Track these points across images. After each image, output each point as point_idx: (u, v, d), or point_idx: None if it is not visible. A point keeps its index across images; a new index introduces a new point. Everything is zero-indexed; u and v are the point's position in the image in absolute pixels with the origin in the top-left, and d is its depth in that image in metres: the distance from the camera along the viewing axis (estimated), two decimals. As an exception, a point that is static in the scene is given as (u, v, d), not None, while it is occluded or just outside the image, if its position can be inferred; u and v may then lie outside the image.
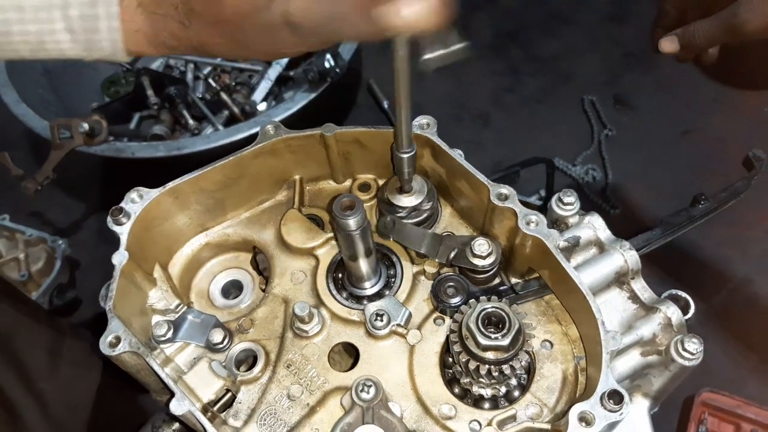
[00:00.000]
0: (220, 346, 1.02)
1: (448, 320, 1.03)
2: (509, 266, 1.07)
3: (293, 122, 1.09)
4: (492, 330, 0.91)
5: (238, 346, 1.02)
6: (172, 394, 0.88)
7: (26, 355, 1.54)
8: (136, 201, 1.03)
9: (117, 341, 0.91)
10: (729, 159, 1.76)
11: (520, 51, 3.08)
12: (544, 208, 1.07)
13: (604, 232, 1.09)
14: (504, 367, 0.92)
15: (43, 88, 2.61)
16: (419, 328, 1.03)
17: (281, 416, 0.96)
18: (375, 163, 1.15)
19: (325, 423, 0.95)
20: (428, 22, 0.70)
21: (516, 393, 0.99)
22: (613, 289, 1.07)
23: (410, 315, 1.03)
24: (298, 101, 2.31)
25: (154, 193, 1.04)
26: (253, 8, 0.79)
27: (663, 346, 1.01)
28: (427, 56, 0.74)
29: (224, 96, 2.65)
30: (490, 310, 0.93)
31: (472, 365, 0.93)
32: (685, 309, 1.05)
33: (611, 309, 1.06)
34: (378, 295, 1.06)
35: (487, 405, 0.98)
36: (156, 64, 2.86)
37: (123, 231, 1.00)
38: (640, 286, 1.06)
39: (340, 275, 1.09)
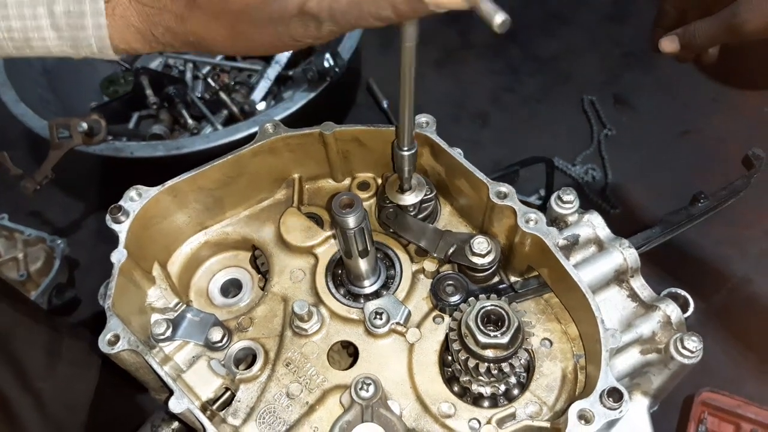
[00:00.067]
0: (219, 344, 1.02)
1: (447, 318, 1.03)
2: (508, 264, 1.07)
3: (292, 122, 1.08)
4: (491, 328, 0.91)
5: (237, 345, 1.02)
6: (171, 393, 0.87)
7: (24, 355, 1.54)
8: (135, 199, 1.03)
9: (116, 339, 0.91)
10: (728, 159, 1.76)
11: (520, 51, 3.08)
12: (543, 208, 1.07)
13: (603, 231, 1.09)
14: (503, 365, 0.92)
15: (41, 88, 2.61)
16: (418, 326, 1.03)
17: (280, 414, 0.96)
18: (374, 161, 1.15)
19: (324, 421, 0.95)
20: None
21: (515, 391, 0.99)
22: (613, 288, 1.07)
23: (409, 313, 1.03)
24: (297, 101, 2.31)
25: (153, 191, 1.04)
26: None
27: (662, 344, 1.01)
28: (500, 19, 0.68)
29: (223, 95, 2.64)
30: (489, 308, 0.93)
31: (472, 363, 0.93)
32: (684, 307, 1.05)
33: (610, 307, 1.06)
34: (377, 294, 1.06)
35: (486, 403, 0.98)
36: (155, 64, 2.86)
37: (122, 229, 1.00)
38: (639, 284, 1.06)
39: (339, 273, 1.09)
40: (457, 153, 1.06)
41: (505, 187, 0.99)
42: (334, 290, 1.07)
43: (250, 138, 1.11)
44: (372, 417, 0.89)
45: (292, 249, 1.11)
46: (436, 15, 0.70)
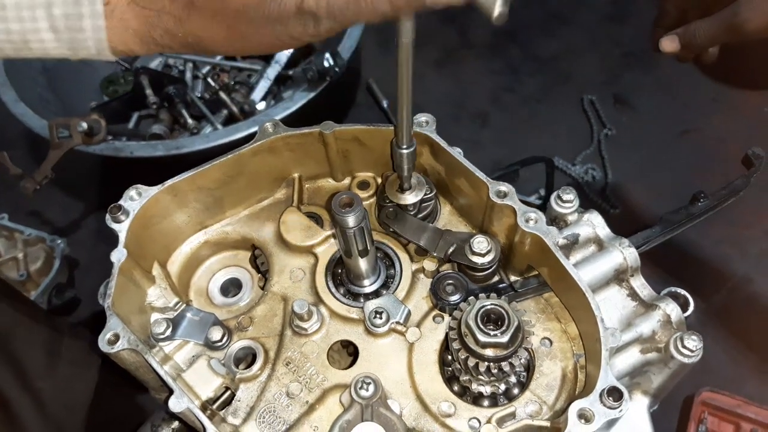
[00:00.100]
0: (219, 344, 1.02)
1: (447, 318, 1.03)
2: (508, 264, 1.07)
3: (292, 122, 1.08)
4: (491, 327, 0.91)
5: (237, 344, 1.02)
6: (170, 392, 0.87)
7: (24, 355, 1.54)
8: (135, 198, 1.03)
9: (116, 338, 0.91)
10: (728, 159, 1.76)
11: (520, 50, 3.08)
12: (543, 208, 1.07)
13: (603, 230, 1.09)
14: (503, 364, 0.92)
15: (41, 87, 2.60)
16: (418, 325, 1.03)
17: (280, 414, 0.96)
18: (374, 161, 1.15)
19: (324, 420, 0.95)
20: None
21: (515, 390, 0.99)
22: (613, 287, 1.07)
23: (409, 313, 1.03)
24: (297, 100, 2.31)
25: (153, 190, 1.04)
26: None
27: (662, 343, 1.01)
28: (498, 10, 0.69)
29: (223, 95, 2.64)
30: (489, 307, 0.93)
31: (471, 362, 0.92)
32: (684, 306, 1.05)
33: (610, 306, 1.06)
34: (377, 293, 1.06)
35: (486, 402, 0.98)
36: (155, 64, 2.86)
37: (122, 229, 1.00)
38: (639, 283, 1.06)
39: (339, 272, 1.09)
40: (457, 152, 1.06)
41: (505, 187, 0.99)
42: (333, 289, 1.07)
43: (249, 138, 1.11)
44: (372, 416, 0.89)
45: (291, 248, 1.11)
46: (434, 10, 0.70)
